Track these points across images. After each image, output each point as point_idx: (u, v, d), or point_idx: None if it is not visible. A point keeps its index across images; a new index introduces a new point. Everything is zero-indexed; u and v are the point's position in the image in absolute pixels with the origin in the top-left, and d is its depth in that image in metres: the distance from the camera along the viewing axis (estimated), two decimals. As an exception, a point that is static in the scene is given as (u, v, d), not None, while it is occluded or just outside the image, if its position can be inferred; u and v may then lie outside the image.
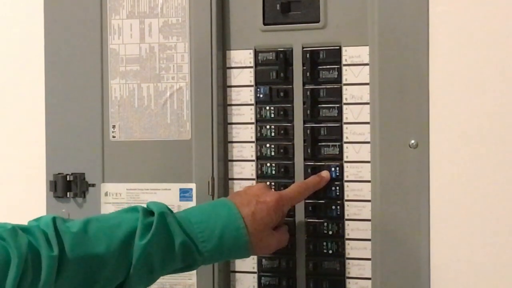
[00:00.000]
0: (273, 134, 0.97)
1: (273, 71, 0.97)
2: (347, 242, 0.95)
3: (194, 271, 0.98)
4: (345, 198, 0.95)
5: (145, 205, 0.83)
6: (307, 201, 0.95)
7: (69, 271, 0.74)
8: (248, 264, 0.98)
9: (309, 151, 0.95)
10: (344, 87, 0.95)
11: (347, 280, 0.95)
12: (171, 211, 0.83)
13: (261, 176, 0.98)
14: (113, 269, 0.77)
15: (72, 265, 0.74)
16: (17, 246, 0.70)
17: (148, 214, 0.81)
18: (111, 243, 0.77)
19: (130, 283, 0.79)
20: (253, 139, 0.98)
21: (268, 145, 0.97)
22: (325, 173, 0.94)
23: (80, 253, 0.75)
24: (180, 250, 0.80)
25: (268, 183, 0.97)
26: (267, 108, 0.97)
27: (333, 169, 0.95)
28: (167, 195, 0.99)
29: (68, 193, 1.02)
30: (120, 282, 0.79)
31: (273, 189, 0.95)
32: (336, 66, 0.95)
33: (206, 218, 0.83)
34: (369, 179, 0.93)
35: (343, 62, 0.95)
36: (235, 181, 0.99)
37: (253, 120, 0.98)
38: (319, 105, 0.96)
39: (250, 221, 0.84)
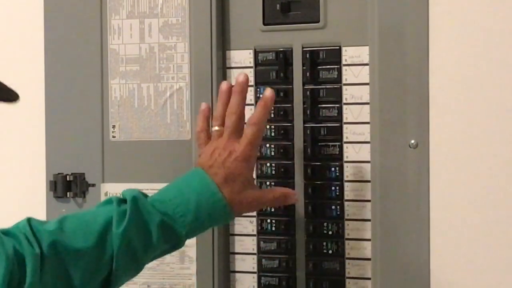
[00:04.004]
0: (273, 134, 0.97)
1: (273, 71, 0.97)
2: (347, 242, 0.95)
3: (194, 271, 0.98)
4: (345, 198, 0.95)
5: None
6: (307, 201, 0.95)
7: (50, 268, 0.74)
8: (248, 264, 0.98)
9: (309, 151, 0.95)
10: (344, 87, 0.95)
11: (347, 280, 0.95)
12: (145, 195, 0.82)
13: (261, 176, 0.97)
14: (95, 262, 0.77)
15: (51, 262, 0.74)
16: (4, 250, 0.71)
17: (122, 202, 0.81)
18: (88, 236, 0.77)
19: (116, 274, 0.78)
20: (253, 139, 0.98)
21: (268, 145, 0.97)
22: (267, 92, 0.86)
23: (58, 249, 0.75)
24: (159, 230, 0.79)
25: (268, 183, 0.97)
26: (267, 108, 0.97)
27: (333, 169, 0.95)
28: (167, 195, 0.99)
29: (68, 193, 1.02)
30: (106, 274, 0.78)
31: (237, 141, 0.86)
32: (336, 66, 0.95)
33: (178, 193, 0.82)
34: (369, 179, 0.93)
35: (343, 62, 0.95)
36: (235, 181, 0.99)
37: (253, 120, 0.98)
38: (319, 105, 0.96)
39: (223, 183, 0.82)
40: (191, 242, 0.95)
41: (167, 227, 0.80)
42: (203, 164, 0.84)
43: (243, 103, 0.87)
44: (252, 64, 0.98)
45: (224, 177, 0.82)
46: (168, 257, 0.93)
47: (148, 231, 0.79)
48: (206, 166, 0.84)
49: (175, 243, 0.82)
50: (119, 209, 0.79)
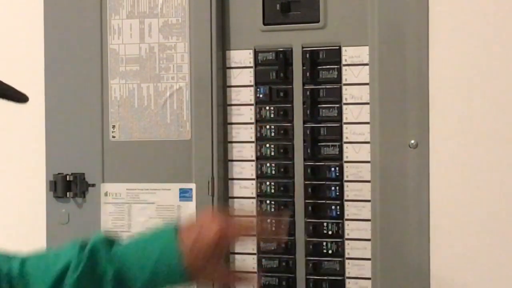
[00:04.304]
0: (273, 134, 0.97)
1: (273, 71, 0.97)
2: (347, 242, 0.95)
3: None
4: (345, 198, 0.95)
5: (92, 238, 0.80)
6: (307, 201, 0.95)
7: None
8: (248, 264, 0.98)
9: (309, 151, 0.95)
10: (344, 87, 0.95)
11: (347, 280, 0.95)
12: (112, 242, 0.79)
13: (261, 176, 0.98)
14: None
15: None
16: None
17: (85, 248, 0.78)
18: (45, 282, 0.76)
19: None
20: (253, 139, 0.98)
21: (268, 145, 0.97)
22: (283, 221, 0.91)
23: None
24: (112, 284, 0.77)
25: (267, 183, 0.97)
26: (267, 108, 0.97)
27: (333, 169, 0.95)
28: (167, 195, 0.99)
29: (68, 193, 1.02)
30: None
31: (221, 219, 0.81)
32: (336, 66, 0.95)
33: (143, 246, 0.79)
34: (369, 179, 0.93)
35: (343, 62, 0.95)
36: (235, 181, 0.99)
37: (253, 120, 0.98)
38: (319, 105, 0.96)
39: (190, 248, 0.78)
40: (191, 242, 0.95)
41: (120, 282, 0.78)
42: (193, 220, 0.82)
43: (248, 232, 0.82)
44: (252, 64, 0.98)
45: (193, 243, 0.78)
46: (168, 257, 0.93)
47: (101, 285, 0.77)
48: (191, 222, 0.80)
49: None
50: (80, 256, 0.77)
